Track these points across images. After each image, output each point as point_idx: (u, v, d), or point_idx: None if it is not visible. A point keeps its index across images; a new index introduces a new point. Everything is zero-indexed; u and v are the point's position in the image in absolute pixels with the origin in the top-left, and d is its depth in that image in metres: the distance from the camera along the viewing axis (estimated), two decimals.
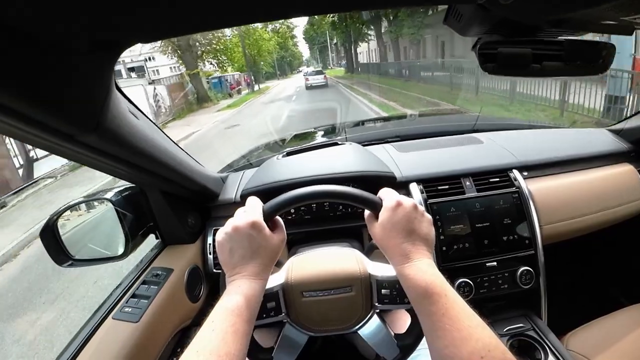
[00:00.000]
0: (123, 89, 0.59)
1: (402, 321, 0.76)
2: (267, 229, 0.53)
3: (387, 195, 0.55)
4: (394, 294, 0.61)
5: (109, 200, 0.85)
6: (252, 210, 0.54)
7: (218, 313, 0.45)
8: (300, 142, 1.74)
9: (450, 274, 0.94)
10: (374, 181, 0.99)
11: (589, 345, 0.90)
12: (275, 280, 0.64)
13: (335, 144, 1.17)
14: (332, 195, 0.57)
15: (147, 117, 0.69)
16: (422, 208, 0.55)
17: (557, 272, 1.05)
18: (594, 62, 0.61)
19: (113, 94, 0.51)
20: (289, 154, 1.14)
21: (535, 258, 0.97)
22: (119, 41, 0.43)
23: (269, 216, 0.55)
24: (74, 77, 0.41)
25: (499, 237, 0.96)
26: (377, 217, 0.54)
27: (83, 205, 0.96)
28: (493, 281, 0.95)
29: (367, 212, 0.57)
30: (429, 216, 0.55)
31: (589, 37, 0.58)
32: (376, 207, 0.55)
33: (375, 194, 0.57)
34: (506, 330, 0.95)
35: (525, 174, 1.06)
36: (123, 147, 0.58)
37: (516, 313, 1.00)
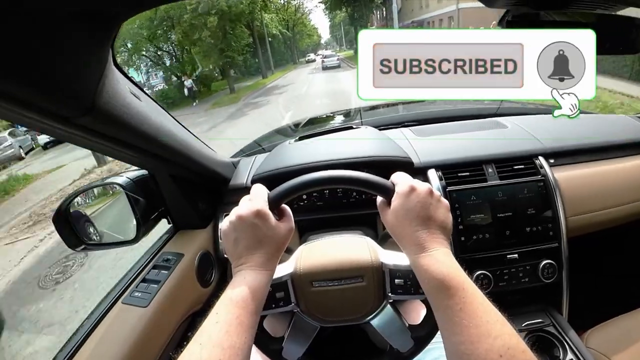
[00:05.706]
0: None
1: (417, 312, 0.73)
2: (272, 218, 0.50)
3: (400, 180, 0.51)
4: (408, 283, 0.58)
5: (120, 185, 0.84)
6: (257, 199, 0.51)
7: (222, 305, 0.44)
8: (314, 127, 1.70)
9: (468, 266, 0.89)
10: (389, 167, 0.94)
11: (609, 344, 0.86)
12: (284, 269, 0.61)
13: (350, 127, 1.13)
14: (341, 181, 0.54)
15: (152, 99, 0.66)
16: (438, 193, 0.51)
17: (580, 266, 1.00)
18: (624, 42, 0.56)
19: (110, 72, 0.48)
20: (301, 138, 1.11)
21: (559, 251, 0.92)
22: (111, 11, 0.39)
23: (275, 204, 0.52)
24: (66, 52, 0.38)
25: (521, 228, 0.91)
26: (389, 204, 0.51)
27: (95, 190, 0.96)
28: (513, 274, 0.91)
29: (379, 199, 0.53)
30: (445, 202, 0.51)
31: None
32: (388, 192, 0.51)
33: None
34: (525, 325, 0.91)
35: (552, 161, 0.99)
36: (123, 130, 0.55)
37: (535, 307, 0.96)
